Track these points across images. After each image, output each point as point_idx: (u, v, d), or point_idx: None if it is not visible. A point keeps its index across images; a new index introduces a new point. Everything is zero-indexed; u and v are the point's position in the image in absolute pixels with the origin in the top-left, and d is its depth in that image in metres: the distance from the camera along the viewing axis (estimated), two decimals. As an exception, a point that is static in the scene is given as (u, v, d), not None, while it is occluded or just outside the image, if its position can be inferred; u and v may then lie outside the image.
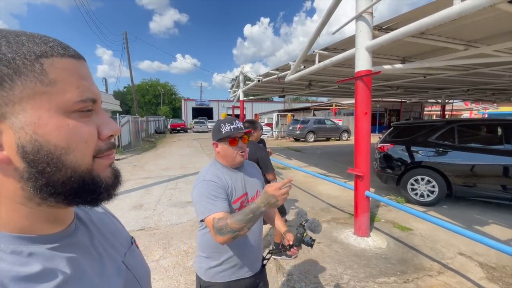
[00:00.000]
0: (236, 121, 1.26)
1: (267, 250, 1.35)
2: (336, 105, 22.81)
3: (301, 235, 1.27)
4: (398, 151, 4.71)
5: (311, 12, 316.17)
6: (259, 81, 6.89)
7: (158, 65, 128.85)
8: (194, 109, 36.95)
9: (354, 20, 2.96)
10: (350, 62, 3.85)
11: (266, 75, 6.72)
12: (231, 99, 10.94)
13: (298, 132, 15.44)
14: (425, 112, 22.48)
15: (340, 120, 18.55)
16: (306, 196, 5.04)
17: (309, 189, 5.47)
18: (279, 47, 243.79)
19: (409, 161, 4.53)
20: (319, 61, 4.11)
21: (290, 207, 4.48)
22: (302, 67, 4.76)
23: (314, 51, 4.22)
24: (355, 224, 3.22)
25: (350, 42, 3.61)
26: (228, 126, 1.23)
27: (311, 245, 1.28)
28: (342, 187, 4.87)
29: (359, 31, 2.92)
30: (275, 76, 6.23)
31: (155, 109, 42.64)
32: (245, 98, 9.17)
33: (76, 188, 0.36)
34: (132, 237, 0.59)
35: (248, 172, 1.36)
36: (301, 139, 15.57)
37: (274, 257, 2.78)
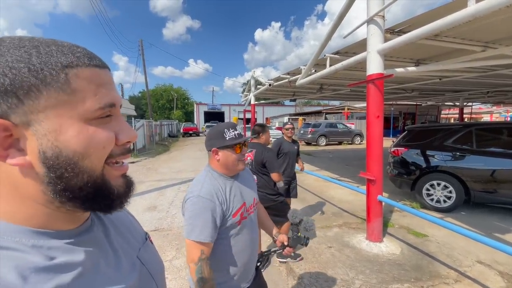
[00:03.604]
0: (237, 126, 1.19)
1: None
2: (348, 109, 22.50)
3: (296, 234, 1.28)
4: (413, 155, 4.60)
5: (322, 15, 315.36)
6: (270, 85, 6.94)
7: (171, 71, 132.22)
8: (206, 113, 37.50)
9: (366, 24, 2.96)
10: (362, 65, 3.83)
11: (277, 79, 6.77)
12: (242, 103, 11.07)
13: (309, 135, 15.33)
14: (442, 115, 21.75)
15: (353, 123, 18.29)
16: (317, 200, 5.00)
17: (321, 193, 5.42)
18: (290, 51, 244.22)
19: (424, 165, 4.41)
20: (330, 65, 4.11)
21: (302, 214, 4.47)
22: (313, 71, 4.77)
23: (325, 55, 4.22)
24: (368, 229, 3.17)
25: (361, 46, 3.60)
26: (233, 131, 1.15)
27: (307, 244, 1.28)
28: (355, 192, 4.79)
29: (370, 34, 2.91)
30: (286, 80, 6.26)
31: (168, 113, 43.61)
32: (256, 102, 9.25)
33: (92, 193, 0.37)
34: (146, 233, 0.60)
35: (244, 179, 1.28)
36: (313, 143, 15.44)
37: (280, 259, 2.78)
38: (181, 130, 27.90)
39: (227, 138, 1.14)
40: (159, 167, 8.97)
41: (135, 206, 4.68)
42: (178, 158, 11.08)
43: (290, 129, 3.48)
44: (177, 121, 34.22)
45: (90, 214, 0.46)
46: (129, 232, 0.53)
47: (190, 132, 26.71)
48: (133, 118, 12.96)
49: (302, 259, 2.84)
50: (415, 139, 4.78)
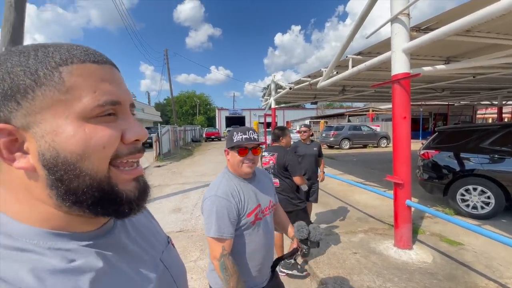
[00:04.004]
0: (251, 131, 1.23)
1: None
2: (373, 110, 21.68)
3: (306, 248, 1.25)
4: (445, 158, 4.33)
5: (343, 16, 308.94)
6: (290, 88, 6.94)
7: (194, 78, 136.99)
8: (227, 118, 38.20)
9: (389, 23, 2.89)
10: (386, 65, 3.71)
11: (298, 82, 6.75)
12: (263, 108, 11.15)
13: (331, 139, 14.98)
14: (478, 116, 20.16)
15: (378, 126, 17.56)
16: (341, 205, 4.87)
17: (344, 198, 5.28)
18: (310, 54, 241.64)
19: (458, 169, 4.13)
20: (353, 66, 4.03)
21: (322, 216, 4.39)
22: (335, 72, 4.71)
23: (347, 56, 4.16)
24: (396, 235, 3.03)
25: (385, 45, 3.50)
26: (240, 135, 1.21)
27: (319, 245, 1.27)
28: (381, 196, 4.61)
29: (394, 33, 2.83)
30: (307, 83, 6.23)
31: (191, 119, 45.16)
32: (276, 106, 9.27)
33: (97, 197, 0.35)
34: (168, 237, 0.59)
35: (260, 182, 1.33)
36: (335, 146, 15.07)
37: (286, 271, 2.66)
38: (204, 135, 28.68)
39: (234, 140, 1.21)
40: (183, 170, 9.29)
41: (161, 208, 4.90)
42: (201, 162, 11.39)
43: (302, 132, 3.49)
44: (200, 126, 35.29)
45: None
46: (153, 235, 0.52)
47: (212, 136, 27.36)
48: (159, 124, 13.57)
49: (308, 274, 2.69)
50: (447, 141, 4.50)
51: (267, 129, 11.87)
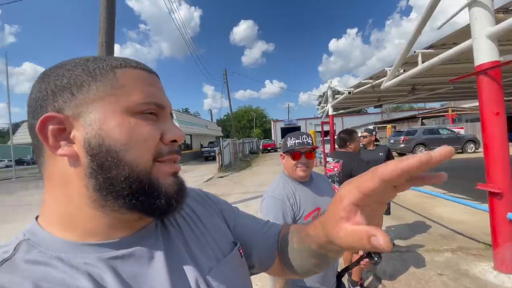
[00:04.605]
0: (304, 136, 1.26)
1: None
2: (453, 110, 18.55)
3: (379, 258, 1.09)
4: None
5: (406, 11, 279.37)
6: (349, 93, 6.60)
7: (250, 93, 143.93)
8: (282, 129, 38.45)
9: (467, 8, 2.53)
10: (466, 56, 3.21)
11: (358, 85, 6.38)
12: (319, 116, 10.85)
13: (402, 145, 13.26)
14: None
15: (462, 128, 14.89)
16: (418, 219, 4.27)
17: (423, 211, 4.60)
18: (370, 56, 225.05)
19: None
20: (423, 62, 3.62)
21: (395, 231, 3.93)
22: (401, 71, 4.29)
23: (415, 52, 3.77)
24: (495, 256, 2.48)
25: (462, 34, 3.04)
26: (294, 140, 1.24)
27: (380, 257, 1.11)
28: (470, 210, 3.86)
29: (475, 18, 2.45)
30: (369, 85, 5.83)
31: (249, 132, 47.19)
32: (334, 113, 8.92)
33: (134, 190, 0.35)
34: (237, 243, 0.51)
35: (318, 186, 1.32)
36: (407, 153, 13.36)
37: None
38: (261, 147, 29.55)
39: (288, 145, 1.26)
40: (243, 180, 9.71)
41: (226, 215, 5.21)
42: (259, 172, 11.71)
43: (361, 137, 3.23)
44: (257, 138, 36.51)
45: (152, 221, 0.42)
46: (202, 247, 0.45)
47: (269, 148, 27.97)
48: (220, 138, 14.67)
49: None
50: None
51: (324, 138, 11.45)
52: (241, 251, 0.51)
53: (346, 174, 2.32)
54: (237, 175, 11.60)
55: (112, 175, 0.35)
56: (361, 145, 3.27)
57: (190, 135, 23.20)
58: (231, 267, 0.46)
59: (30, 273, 0.31)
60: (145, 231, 0.40)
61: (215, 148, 14.26)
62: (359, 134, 3.28)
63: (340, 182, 2.40)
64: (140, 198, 0.36)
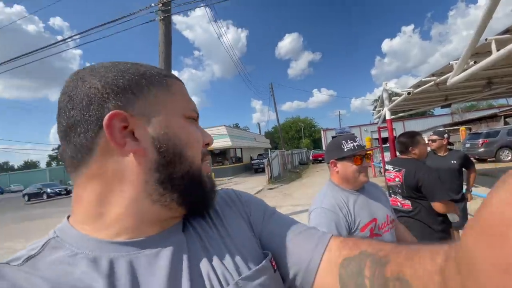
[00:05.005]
0: (357, 138, 1.16)
1: None
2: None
3: None
4: None
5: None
6: (409, 93, 5.93)
7: (297, 104, 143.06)
8: (333, 138, 36.68)
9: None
10: None
11: (418, 84, 5.71)
12: (375, 121, 10.03)
13: (480, 149, 11.13)
14: None
15: None
16: None
17: None
18: (432, 52, 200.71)
19: None
20: (497, 49, 3.04)
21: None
22: (471, 63, 3.69)
23: (486, 39, 3.20)
24: None
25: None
26: (351, 143, 1.13)
27: None
28: None
29: None
30: (431, 83, 5.16)
31: (297, 142, 46.62)
32: (393, 117, 8.12)
33: (189, 185, 0.40)
34: (268, 254, 0.44)
35: (371, 194, 1.18)
36: (488, 159, 11.15)
37: None
38: (311, 157, 28.66)
39: (345, 150, 1.13)
40: (294, 192, 9.49)
41: (276, 228, 5.13)
42: (309, 184, 11.30)
43: (430, 141, 2.80)
44: (306, 149, 35.66)
45: (180, 222, 0.42)
46: (223, 256, 0.41)
47: (320, 158, 26.89)
48: (269, 150, 14.81)
49: None
50: None
51: (383, 145, 10.46)
52: (273, 263, 0.43)
53: (410, 186, 1.93)
54: (287, 187, 11.42)
55: (175, 170, 0.38)
56: (429, 150, 2.78)
57: (240, 148, 24.09)
58: (260, 283, 0.39)
59: (49, 272, 0.31)
60: (172, 232, 0.40)
61: (264, 160, 14.43)
62: (427, 138, 2.84)
63: (403, 195, 2.01)
64: (192, 194, 0.40)
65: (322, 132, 38.98)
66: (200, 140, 0.43)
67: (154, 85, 0.40)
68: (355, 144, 1.14)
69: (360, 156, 1.14)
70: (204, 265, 0.38)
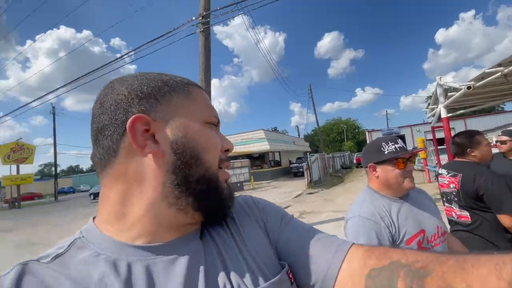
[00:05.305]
0: (399, 139, 1.04)
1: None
2: None
3: None
4: None
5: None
6: (469, 88, 5.18)
7: (338, 105, 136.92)
8: (373, 140, 34.08)
9: None
10: None
11: (481, 77, 4.94)
12: (429, 121, 8.98)
13: None
14: None
15: None
16: None
17: None
18: (499, 39, 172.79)
19: None
20: None
21: None
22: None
23: None
24: None
25: None
26: (393, 145, 1.03)
27: None
28: None
29: None
30: (498, 74, 4.42)
31: (339, 145, 44.42)
32: (450, 115, 7.18)
33: (205, 189, 0.40)
34: (284, 266, 0.42)
35: (417, 202, 1.04)
36: None
37: None
38: (354, 161, 27.02)
39: (386, 152, 1.02)
40: (335, 198, 9.02)
41: (315, 235, 4.92)
42: (353, 190, 10.61)
43: (499, 142, 2.32)
44: (349, 152, 33.78)
45: (198, 229, 0.43)
46: (238, 266, 0.40)
47: (364, 162, 25.23)
48: (308, 153, 14.42)
49: None
50: None
51: (438, 147, 9.28)
52: (290, 275, 0.42)
53: (467, 193, 1.60)
54: (328, 192, 10.93)
55: (191, 172, 0.39)
56: (497, 152, 2.33)
57: (279, 152, 24.00)
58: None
59: (74, 272, 0.33)
60: (189, 239, 0.41)
61: (303, 164, 14.11)
62: (495, 139, 2.38)
63: (459, 203, 1.68)
64: (207, 198, 0.40)
65: (367, 133, 36.46)
66: (219, 145, 0.43)
67: (175, 92, 0.42)
68: (397, 146, 1.03)
69: (403, 159, 1.02)
70: (220, 275, 0.37)
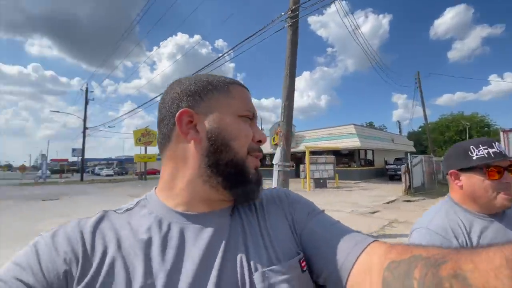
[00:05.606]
0: (496, 143, 0.81)
1: None
2: None
3: None
4: None
5: None
6: None
7: (461, 96, 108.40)
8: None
9: None
10: None
11: None
12: None
13: None
14: None
15: None
16: None
17: None
18: None
19: None
20: None
21: None
22: None
23: None
24: None
25: None
26: (485, 149, 0.81)
27: None
28: None
29: None
30: None
31: (458, 147, 35.21)
32: None
33: (233, 172, 0.47)
34: (299, 253, 0.47)
35: None
36: None
37: None
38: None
39: (474, 157, 0.82)
40: (441, 211, 7.39)
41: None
42: (471, 204, 8.37)
43: None
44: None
45: (229, 207, 0.51)
46: (257, 246, 0.46)
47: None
48: (409, 154, 12.21)
49: None
50: None
51: None
52: (303, 264, 0.46)
53: None
54: (432, 202, 9.04)
55: (221, 157, 0.47)
56: None
57: (372, 150, 21.41)
58: (285, 279, 0.41)
59: (135, 222, 0.46)
60: (218, 214, 0.48)
61: (401, 166, 12.11)
62: None
63: None
64: (234, 180, 0.47)
65: (501, 133, 27.23)
66: (250, 135, 0.50)
67: (217, 90, 0.50)
68: (491, 150, 0.82)
69: (498, 168, 0.81)
70: (239, 248, 0.44)
